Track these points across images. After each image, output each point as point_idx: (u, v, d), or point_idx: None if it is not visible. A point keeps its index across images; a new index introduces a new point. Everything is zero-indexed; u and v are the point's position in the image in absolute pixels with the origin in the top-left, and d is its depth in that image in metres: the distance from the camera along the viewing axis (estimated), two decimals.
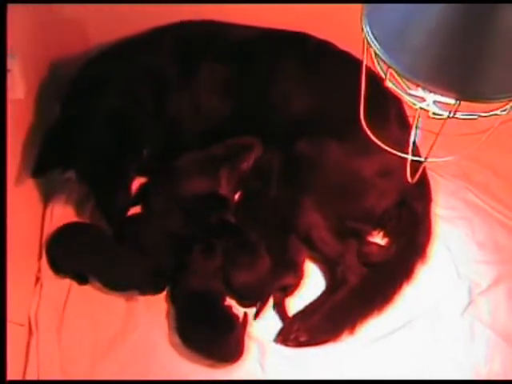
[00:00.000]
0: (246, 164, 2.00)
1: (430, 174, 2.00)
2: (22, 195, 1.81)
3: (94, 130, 1.78)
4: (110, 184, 1.83)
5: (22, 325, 1.74)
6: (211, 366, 1.74)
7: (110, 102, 1.81)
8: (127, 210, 1.93)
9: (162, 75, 1.90)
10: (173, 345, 1.77)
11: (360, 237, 1.92)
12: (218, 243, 1.88)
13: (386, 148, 1.15)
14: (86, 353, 1.76)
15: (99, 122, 1.78)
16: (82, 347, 1.76)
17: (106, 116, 1.78)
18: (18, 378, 1.69)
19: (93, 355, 1.75)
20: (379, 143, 1.16)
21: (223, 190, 1.99)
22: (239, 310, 1.82)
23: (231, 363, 1.72)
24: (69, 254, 1.86)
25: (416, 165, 1.34)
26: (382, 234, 1.97)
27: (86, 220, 1.98)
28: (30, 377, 1.71)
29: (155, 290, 1.83)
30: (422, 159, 1.13)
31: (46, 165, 1.80)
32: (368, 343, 1.79)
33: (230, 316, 1.76)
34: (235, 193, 2.04)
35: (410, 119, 1.89)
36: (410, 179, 1.26)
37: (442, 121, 1.08)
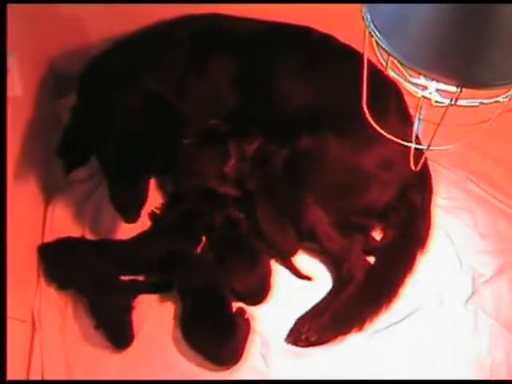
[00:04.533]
0: (249, 148, 2.00)
1: (431, 165, 2.00)
2: (23, 192, 1.81)
3: (130, 115, 1.73)
4: (134, 176, 1.78)
5: (23, 321, 1.74)
6: None
7: (147, 87, 1.77)
8: (144, 205, 1.85)
9: (180, 66, 1.89)
10: (177, 342, 1.77)
11: (364, 231, 1.92)
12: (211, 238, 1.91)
13: (390, 137, 1.14)
14: (91, 350, 1.76)
15: (135, 107, 1.74)
16: (86, 344, 1.76)
17: (144, 101, 1.74)
18: (22, 375, 1.69)
19: (97, 352, 1.75)
20: (383, 132, 1.15)
21: (230, 166, 1.99)
22: (245, 312, 1.82)
23: (227, 369, 1.72)
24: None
25: (417, 154, 1.34)
26: (383, 226, 1.96)
27: (85, 220, 1.97)
28: (33, 374, 1.71)
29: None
30: (425, 147, 1.12)
31: (70, 146, 1.77)
32: (372, 334, 1.79)
33: (233, 323, 1.75)
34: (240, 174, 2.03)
35: (411, 110, 1.90)
36: (413, 167, 1.25)
37: (443, 111, 1.08)
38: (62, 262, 1.85)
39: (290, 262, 1.91)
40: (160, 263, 1.85)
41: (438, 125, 1.00)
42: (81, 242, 1.90)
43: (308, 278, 1.89)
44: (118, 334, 1.76)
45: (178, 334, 1.77)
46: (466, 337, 1.80)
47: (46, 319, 1.78)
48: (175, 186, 2.01)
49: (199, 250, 1.94)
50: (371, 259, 1.90)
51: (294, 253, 1.92)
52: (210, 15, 1.94)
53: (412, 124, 1.89)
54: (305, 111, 1.90)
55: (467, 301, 1.85)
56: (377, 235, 1.96)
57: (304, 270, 1.90)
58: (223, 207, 1.97)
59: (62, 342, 1.76)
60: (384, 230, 1.96)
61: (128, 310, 1.78)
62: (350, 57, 1.91)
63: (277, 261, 1.91)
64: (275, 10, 1.94)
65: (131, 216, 1.82)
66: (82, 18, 1.96)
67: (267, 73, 1.93)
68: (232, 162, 2.00)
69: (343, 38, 1.96)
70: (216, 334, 1.73)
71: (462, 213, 2.01)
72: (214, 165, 2.00)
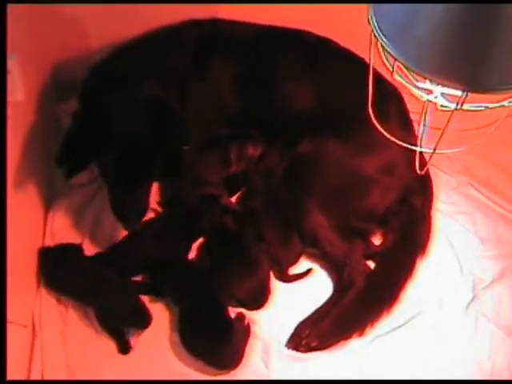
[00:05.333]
0: (253, 151, 2.00)
1: (432, 170, 2.00)
2: (24, 196, 1.81)
3: (130, 120, 1.73)
4: (134, 182, 1.77)
5: (24, 326, 1.73)
6: None
7: (148, 92, 1.77)
8: (145, 213, 1.85)
9: (183, 70, 1.90)
10: (177, 346, 1.76)
11: (365, 236, 1.92)
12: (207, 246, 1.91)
13: (395, 140, 1.14)
14: (91, 354, 1.75)
15: (136, 112, 1.74)
16: (86, 349, 1.76)
17: (145, 107, 1.74)
18: (22, 379, 1.68)
19: (98, 357, 1.75)
20: (388, 136, 1.15)
21: (233, 168, 2.01)
22: (244, 317, 1.81)
23: (227, 373, 1.72)
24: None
25: (420, 158, 1.34)
26: (383, 231, 1.96)
27: (86, 225, 1.97)
28: (34, 378, 1.70)
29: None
30: (431, 150, 1.13)
31: (71, 152, 1.76)
32: (373, 339, 1.79)
33: (230, 328, 1.75)
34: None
35: (413, 115, 1.90)
36: (418, 171, 1.25)
37: (446, 117, 1.08)
38: (60, 270, 1.84)
39: (287, 274, 1.90)
40: (154, 266, 1.86)
41: (444, 128, 1.00)
42: (78, 249, 1.89)
43: (308, 271, 1.89)
44: (137, 315, 1.76)
45: (177, 337, 1.76)
46: (466, 342, 1.80)
47: (46, 324, 1.78)
48: (176, 192, 2.01)
49: (196, 254, 1.93)
50: (371, 264, 1.91)
51: (291, 265, 1.91)
52: (212, 19, 1.95)
53: (413, 129, 1.90)
54: (306, 113, 1.91)
55: (467, 306, 1.85)
56: (377, 240, 1.96)
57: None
58: (222, 214, 1.97)
59: (62, 346, 1.75)
60: (384, 235, 1.96)
61: (137, 297, 1.79)
62: (349, 60, 1.92)
63: (275, 275, 1.90)
64: (276, 12, 1.95)
65: (131, 224, 1.82)
66: (85, 21, 1.96)
67: (268, 75, 1.94)
68: (233, 167, 2.01)
69: (342, 42, 1.97)
70: (213, 338, 1.73)
71: (462, 217, 2.02)
72: (215, 172, 2.01)
